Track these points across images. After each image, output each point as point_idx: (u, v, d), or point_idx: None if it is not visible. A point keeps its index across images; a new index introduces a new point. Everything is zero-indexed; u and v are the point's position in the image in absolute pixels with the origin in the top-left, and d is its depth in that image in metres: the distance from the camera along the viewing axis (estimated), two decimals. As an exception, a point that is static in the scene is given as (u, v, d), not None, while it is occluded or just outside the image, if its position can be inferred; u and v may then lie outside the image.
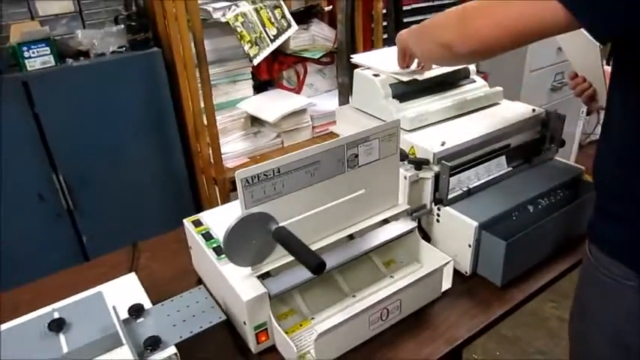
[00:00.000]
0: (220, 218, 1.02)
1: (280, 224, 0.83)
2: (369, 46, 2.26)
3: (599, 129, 3.80)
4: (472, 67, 1.30)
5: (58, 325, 0.82)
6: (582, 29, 0.67)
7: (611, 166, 0.81)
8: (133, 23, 1.74)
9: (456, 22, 0.79)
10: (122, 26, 1.76)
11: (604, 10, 0.64)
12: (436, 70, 1.19)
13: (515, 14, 0.70)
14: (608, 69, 0.95)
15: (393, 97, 1.15)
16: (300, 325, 0.90)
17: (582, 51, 1.04)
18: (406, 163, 1.02)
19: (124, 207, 1.87)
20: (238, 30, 1.82)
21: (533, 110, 1.16)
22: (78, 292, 0.97)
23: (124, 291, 0.94)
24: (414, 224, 1.00)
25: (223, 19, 1.80)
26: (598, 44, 0.95)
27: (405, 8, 2.28)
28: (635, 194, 0.77)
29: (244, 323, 0.84)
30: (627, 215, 0.79)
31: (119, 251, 1.21)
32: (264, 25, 1.89)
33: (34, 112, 1.62)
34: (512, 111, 1.18)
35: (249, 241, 0.81)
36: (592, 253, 0.86)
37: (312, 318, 0.91)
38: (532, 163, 1.16)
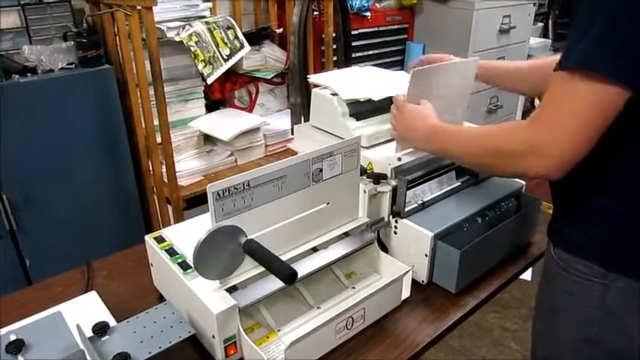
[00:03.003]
0: (183, 234, 1.02)
1: (249, 237, 0.85)
2: (320, 67, 2.34)
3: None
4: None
5: (16, 347, 0.79)
6: None
7: (579, 170, 0.81)
8: (84, 40, 1.71)
9: (532, 154, 0.78)
10: (72, 43, 1.72)
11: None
12: (388, 91, 1.26)
13: (581, 119, 0.73)
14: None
15: (351, 116, 1.20)
16: (267, 338, 0.91)
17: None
18: (365, 177, 1.07)
19: (70, 228, 1.80)
20: (192, 49, 1.83)
21: (479, 129, 1.25)
22: (33, 313, 0.94)
23: (85, 310, 0.92)
24: (374, 236, 1.05)
25: (177, 39, 1.81)
26: None
27: (353, 32, 2.38)
28: (601, 197, 0.84)
29: (213, 337, 0.84)
30: (595, 216, 0.85)
31: (72, 271, 1.17)
32: (217, 45, 1.91)
33: (-23, 128, 1.55)
34: (459, 129, 1.26)
35: (219, 254, 0.82)
36: (557, 255, 0.91)
37: (279, 330, 0.93)
38: (478, 179, 1.24)
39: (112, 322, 0.86)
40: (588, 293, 0.86)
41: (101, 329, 0.83)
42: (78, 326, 0.81)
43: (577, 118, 0.73)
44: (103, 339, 0.82)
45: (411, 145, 1.10)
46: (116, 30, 1.80)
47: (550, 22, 4.18)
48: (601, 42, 0.71)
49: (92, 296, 0.96)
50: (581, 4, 0.73)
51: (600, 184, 0.84)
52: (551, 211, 0.97)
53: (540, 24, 4.04)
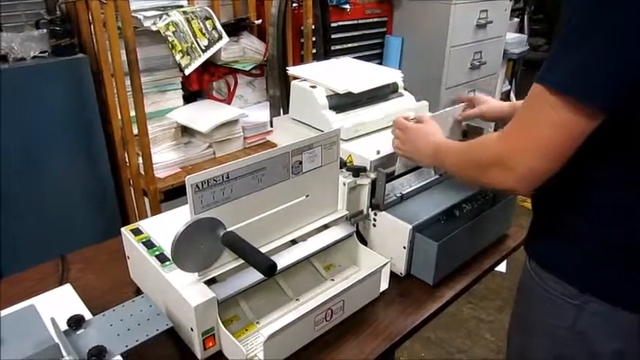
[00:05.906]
0: (160, 226, 1.01)
1: (227, 229, 0.85)
2: (299, 59, 2.33)
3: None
4: (400, 83, 1.38)
5: (-13, 342, 0.78)
6: None
7: (561, 190, 0.83)
8: (57, 28, 1.66)
9: (499, 166, 0.79)
10: (44, 30, 1.67)
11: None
12: (368, 84, 1.26)
13: (549, 140, 0.73)
14: None
15: (330, 108, 1.20)
16: (246, 330, 0.91)
17: None
18: (344, 170, 1.07)
19: (44, 221, 1.76)
20: (170, 39, 1.80)
21: (456, 122, 1.27)
22: (4, 308, 0.92)
23: (60, 303, 0.90)
24: (353, 229, 1.05)
25: (154, 28, 1.78)
26: None
27: (332, 25, 2.38)
28: (581, 220, 0.82)
29: (191, 330, 0.84)
30: (573, 238, 0.84)
31: (45, 264, 1.15)
32: (195, 36, 1.88)
33: (-55, 118, 1.50)
34: (437, 123, 1.28)
35: (197, 246, 0.82)
36: (533, 269, 0.91)
37: (257, 322, 0.93)
38: (456, 172, 1.26)
39: (88, 316, 0.85)
40: (562, 313, 0.85)
41: (76, 322, 0.82)
42: (52, 319, 0.80)
43: (546, 136, 0.73)
44: (78, 332, 0.81)
45: (418, 164, 1.12)
46: (91, 18, 1.75)
47: (525, 17, 4.25)
48: (588, 69, 0.69)
49: (67, 289, 0.94)
50: (575, 12, 0.70)
51: (582, 208, 0.83)
52: (526, 204, 0.98)
53: (516, 19, 4.10)
